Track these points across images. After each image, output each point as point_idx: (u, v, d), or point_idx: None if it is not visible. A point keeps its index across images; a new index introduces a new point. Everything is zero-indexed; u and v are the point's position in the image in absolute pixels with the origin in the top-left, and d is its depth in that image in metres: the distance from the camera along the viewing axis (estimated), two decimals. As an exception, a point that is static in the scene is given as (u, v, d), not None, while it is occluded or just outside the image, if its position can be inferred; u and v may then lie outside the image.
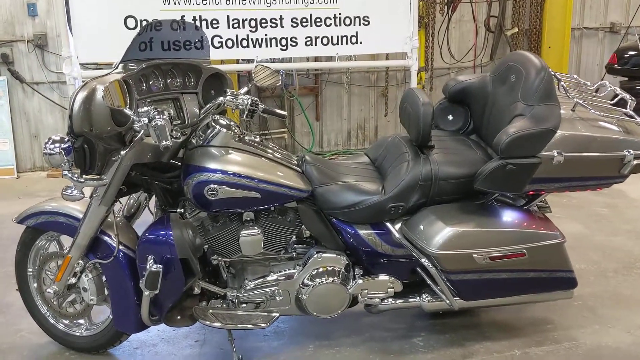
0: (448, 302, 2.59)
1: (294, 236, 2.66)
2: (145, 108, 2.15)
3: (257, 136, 2.60)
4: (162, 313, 2.44)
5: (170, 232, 2.33)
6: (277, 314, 2.59)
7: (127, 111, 2.11)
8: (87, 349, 2.73)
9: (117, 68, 2.35)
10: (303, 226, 2.64)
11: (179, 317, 2.53)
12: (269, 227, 2.56)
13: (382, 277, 2.62)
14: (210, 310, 2.55)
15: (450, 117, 2.90)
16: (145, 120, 2.13)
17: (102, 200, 2.37)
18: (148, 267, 2.30)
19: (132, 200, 2.75)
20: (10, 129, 5.86)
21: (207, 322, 2.49)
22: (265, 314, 2.59)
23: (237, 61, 5.07)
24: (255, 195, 2.43)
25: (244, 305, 2.61)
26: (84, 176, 2.26)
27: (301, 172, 2.58)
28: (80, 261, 2.51)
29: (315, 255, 2.59)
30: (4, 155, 5.79)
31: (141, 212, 2.76)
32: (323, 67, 6.15)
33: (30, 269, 2.74)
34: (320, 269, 2.58)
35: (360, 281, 2.60)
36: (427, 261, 2.51)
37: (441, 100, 2.92)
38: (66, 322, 2.74)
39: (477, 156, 2.59)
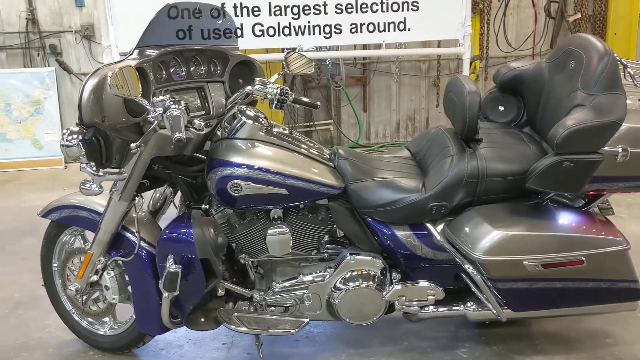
0: (495, 312, 2.35)
1: (326, 236, 2.47)
2: (161, 97, 2.00)
3: (287, 128, 2.42)
4: (184, 315, 2.30)
5: (191, 231, 2.18)
6: (307, 319, 2.41)
7: (141, 100, 1.97)
8: (110, 349, 2.63)
9: (132, 54, 2.20)
10: (335, 225, 2.45)
11: (202, 320, 2.39)
12: (298, 225, 2.38)
13: (422, 283, 2.40)
14: (236, 313, 2.39)
15: (501, 108, 2.64)
16: (160, 110, 1.98)
17: (121, 195, 2.24)
18: (167, 266, 2.16)
19: (157, 194, 2.62)
20: (59, 120, 5.91)
21: (232, 326, 2.34)
22: (295, 319, 2.42)
23: (282, 50, 4.90)
24: (283, 192, 2.25)
25: (272, 308, 2.44)
26: (102, 170, 2.13)
27: (333, 167, 2.39)
28: (102, 258, 2.40)
29: (349, 257, 2.39)
30: (52, 145, 5.83)
31: (167, 207, 2.63)
32: (370, 55, 5.93)
33: (55, 264, 2.66)
34: (354, 272, 2.39)
35: (397, 287, 2.39)
36: (471, 267, 2.27)
37: (491, 89, 2.65)
38: (90, 320, 2.64)
39: (530, 151, 2.32)
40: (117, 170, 2.20)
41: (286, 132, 2.39)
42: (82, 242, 2.62)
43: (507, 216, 2.26)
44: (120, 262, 2.40)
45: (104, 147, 2.06)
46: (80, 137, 2.01)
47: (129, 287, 2.44)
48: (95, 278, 2.44)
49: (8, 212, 4.48)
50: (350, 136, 6.32)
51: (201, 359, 2.58)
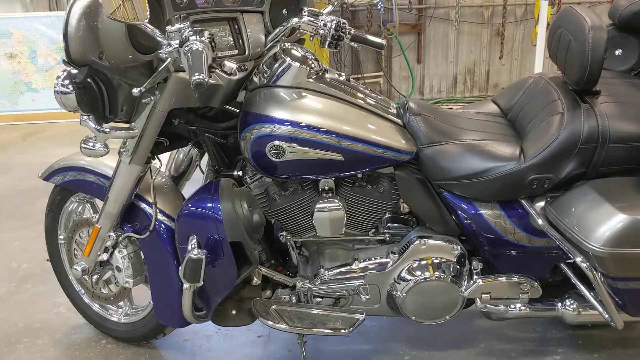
0: (607, 317, 1.81)
1: (388, 212, 1.96)
2: (178, 25, 1.48)
3: (343, 74, 1.88)
4: (210, 310, 1.85)
5: (218, 205, 1.69)
6: (363, 316, 1.93)
7: (150, 29, 1.46)
8: (125, 339, 2.21)
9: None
10: (401, 200, 1.93)
11: (233, 312, 1.93)
12: (354, 199, 1.87)
13: (513, 277, 1.87)
14: (275, 306, 1.93)
15: (619, 52, 2.04)
16: (177, 43, 1.47)
17: (133, 156, 1.77)
18: (188, 250, 1.69)
19: (181, 155, 2.14)
20: (87, 69, 5.47)
21: (270, 322, 1.88)
22: (347, 314, 1.94)
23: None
24: (337, 158, 1.74)
25: (319, 299, 1.97)
26: (106, 124, 1.65)
27: (402, 125, 1.86)
28: (112, 233, 1.95)
29: (418, 241, 1.88)
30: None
31: (192, 172, 2.16)
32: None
33: (61, 237, 2.23)
34: (424, 261, 1.88)
35: (480, 282, 1.87)
36: (582, 260, 1.73)
37: (607, 27, 2.04)
38: (102, 304, 2.22)
39: (665, 109, 1.74)
40: (126, 125, 1.72)
41: (342, 78, 1.85)
42: (91, 211, 2.18)
43: (634, 194, 1.70)
44: (134, 238, 1.95)
45: (105, 94, 1.56)
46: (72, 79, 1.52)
47: (146, 269, 2.00)
48: (105, 257, 1.99)
49: (28, 168, 4.11)
50: (402, 90, 5.73)
51: (232, 355, 2.14)
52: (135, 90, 1.52)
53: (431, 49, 5.74)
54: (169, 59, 1.50)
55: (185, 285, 1.73)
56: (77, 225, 2.15)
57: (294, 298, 1.99)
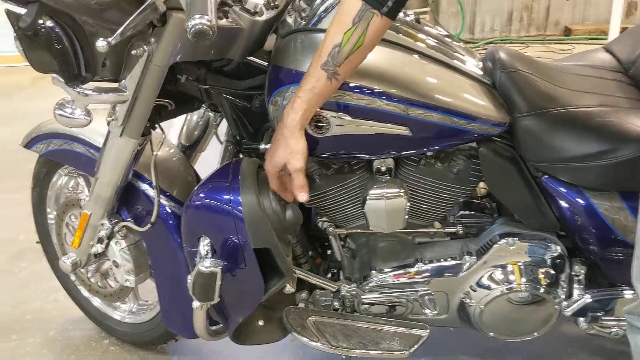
0: None
1: (462, 199, 1.48)
2: None
3: (411, 13, 1.38)
4: (229, 329, 1.42)
5: (239, 198, 1.23)
6: (426, 332, 1.50)
7: None
8: (130, 342, 1.83)
9: None
10: (482, 184, 1.45)
11: (260, 324, 1.51)
12: (419, 183, 1.41)
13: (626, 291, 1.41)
14: (313, 317, 1.51)
15: None
16: None
17: (124, 127, 1.31)
18: (197, 258, 1.25)
19: (195, 117, 1.68)
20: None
21: (305, 339, 1.47)
22: (405, 330, 1.51)
23: None
24: (402, 131, 1.26)
25: (366, 306, 1.53)
26: (83, 85, 1.19)
27: (490, 84, 1.36)
28: (106, 221, 1.52)
29: (504, 241, 1.41)
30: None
31: (208, 140, 1.70)
32: None
33: (51, 216, 1.83)
34: (510, 266, 1.42)
35: (587, 298, 1.41)
36: None
37: None
38: (101, 300, 1.83)
39: None
40: (113, 85, 1.26)
41: (410, 18, 1.35)
42: (86, 188, 1.75)
43: None
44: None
45: (77, 43, 1.10)
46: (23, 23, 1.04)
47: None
48: (99, 249, 1.57)
49: (36, 118, 3.67)
50: (450, 29, 5.11)
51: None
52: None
53: (484, -20, 5.08)
54: (160, -7, 1.02)
55: (196, 304, 1.30)
56: (66, 205, 1.73)
57: (336, 303, 1.56)
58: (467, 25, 5.14)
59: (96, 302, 1.85)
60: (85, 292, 1.85)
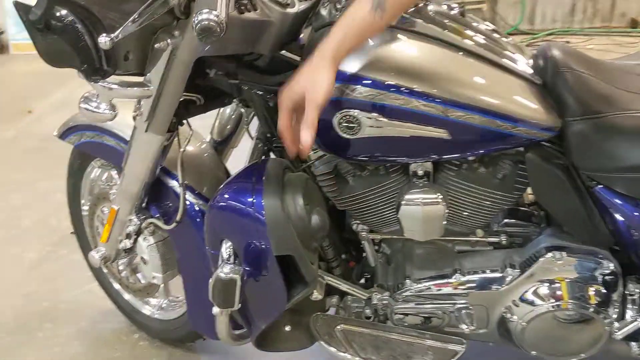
0: None
1: (506, 206, 1.37)
2: None
3: (456, 5, 1.27)
4: (252, 335, 1.37)
5: (262, 201, 1.17)
6: (463, 347, 1.41)
7: None
8: (159, 338, 1.81)
9: None
10: (529, 191, 1.34)
11: (287, 329, 1.45)
12: (460, 188, 1.31)
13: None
14: (342, 326, 1.43)
15: None
16: None
17: (150, 122, 1.27)
18: (219, 263, 1.20)
19: (228, 111, 1.62)
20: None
21: (332, 349, 1.40)
22: (440, 343, 1.42)
23: None
24: (440, 134, 1.17)
25: (401, 317, 1.44)
26: (106, 78, 1.15)
27: (541, 84, 1.24)
28: (134, 217, 1.49)
29: (551, 255, 1.30)
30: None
31: (241, 136, 1.64)
32: None
33: (84, 207, 1.82)
34: (556, 282, 1.31)
35: (644, 321, 1.29)
36: None
37: None
38: (132, 294, 1.81)
39: None
40: (139, 78, 1.21)
41: (455, 12, 1.24)
42: (118, 179, 1.72)
43: None
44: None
45: (95, 37, 1.05)
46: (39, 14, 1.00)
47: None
48: (128, 244, 1.55)
49: (68, 105, 3.74)
50: (509, 19, 4.91)
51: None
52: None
53: (546, -33, 4.85)
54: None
55: (215, 310, 1.25)
56: (98, 197, 1.72)
57: (367, 310, 1.48)
58: (526, 16, 4.92)
59: (127, 295, 1.83)
60: (116, 285, 1.84)
